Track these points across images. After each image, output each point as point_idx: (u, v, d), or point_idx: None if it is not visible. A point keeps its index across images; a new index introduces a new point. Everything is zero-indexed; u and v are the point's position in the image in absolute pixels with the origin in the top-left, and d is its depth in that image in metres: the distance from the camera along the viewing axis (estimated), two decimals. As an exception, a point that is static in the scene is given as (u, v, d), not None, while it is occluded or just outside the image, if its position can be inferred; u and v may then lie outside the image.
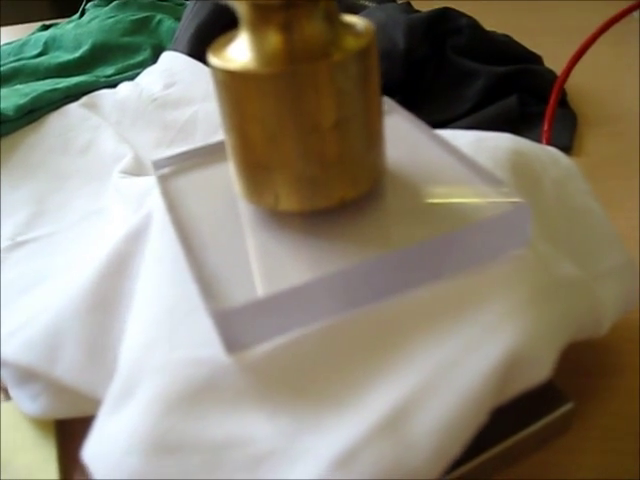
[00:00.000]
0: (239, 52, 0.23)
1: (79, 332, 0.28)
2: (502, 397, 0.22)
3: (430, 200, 0.25)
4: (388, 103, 0.31)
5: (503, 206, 0.24)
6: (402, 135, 0.29)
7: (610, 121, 0.54)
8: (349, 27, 0.24)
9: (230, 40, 0.24)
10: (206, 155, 0.30)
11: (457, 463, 0.21)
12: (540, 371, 0.22)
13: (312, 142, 0.23)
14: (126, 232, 0.30)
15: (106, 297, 0.28)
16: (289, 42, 0.22)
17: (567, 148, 0.49)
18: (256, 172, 0.24)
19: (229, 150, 0.25)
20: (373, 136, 0.25)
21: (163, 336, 0.23)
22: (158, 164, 0.29)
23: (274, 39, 0.22)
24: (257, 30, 0.23)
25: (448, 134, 0.31)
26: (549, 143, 0.46)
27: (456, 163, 0.27)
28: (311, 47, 0.22)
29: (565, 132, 0.50)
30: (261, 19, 0.22)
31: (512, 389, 0.22)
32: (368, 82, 0.24)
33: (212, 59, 0.23)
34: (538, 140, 0.47)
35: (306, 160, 0.23)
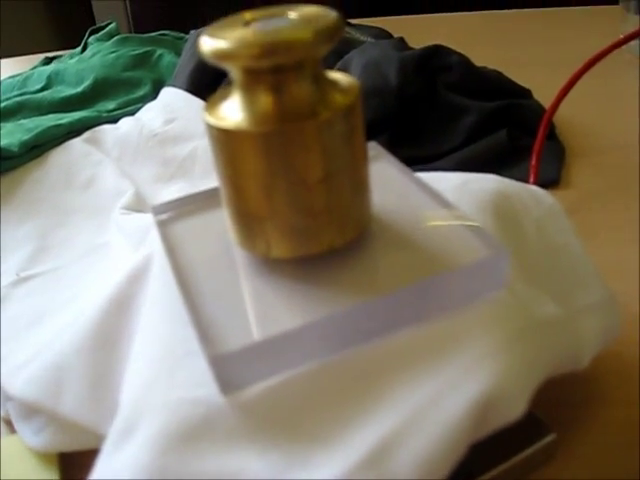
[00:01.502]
0: (232, 111, 0.25)
1: (82, 369, 0.29)
2: (478, 433, 0.23)
3: (414, 245, 0.27)
4: (375, 149, 0.33)
5: (482, 251, 0.25)
6: (388, 181, 0.31)
7: (599, 152, 0.55)
8: (334, 84, 0.25)
9: (224, 98, 0.26)
10: (203, 200, 0.31)
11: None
12: (515, 409, 0.23)
13: (301, 195, 0.25)
14: (127, 273, 0.31)
15: (108, 336, 0.29)
16: (278, 103, 0.24)
17: (555, 181, 0.50)
18: (249, 221, 0.26)
19: (223, 200, 0.26)
20: (359, 187, 0.26)
21: (162, 376, 0.25)
22: (157, 210, 0.31)
23: (264, 100, 0.24)
24: (248, 91, 0.24)
25: (433, 177, 0.32)
26: (537, 177, 0.48)
27: (439, 208, 0.28)
28: (299, 107, 0.24)
29: (553, 165, 0.51)
30: (252, 81, 0.24)
31: (488, 426, 0.23)
32: (354, 136, 0.25)
33: (207, 117, 0.25)
34: (527, 174, 0.48)
35: (295, 211, 0.25)
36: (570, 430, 0.30)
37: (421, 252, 0.26)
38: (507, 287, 0.26)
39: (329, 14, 0.24)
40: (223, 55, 0.23)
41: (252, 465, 0.22)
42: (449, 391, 0.23)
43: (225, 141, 0.24)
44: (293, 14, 0.24)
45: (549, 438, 0.29)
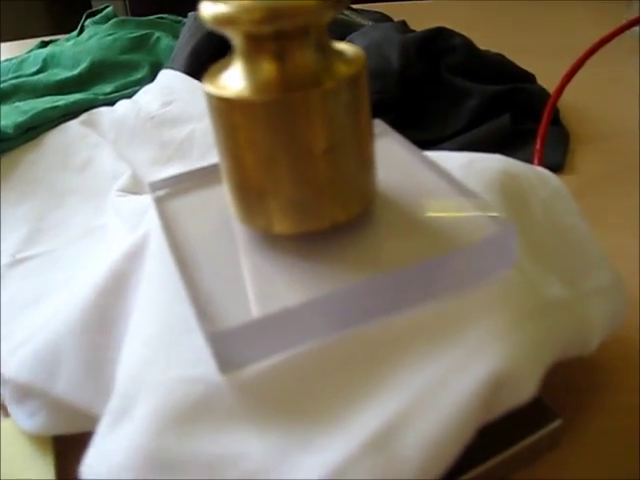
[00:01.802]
0: (233, 79, 0.24)
1: (77, 350, 0.28)
2: (488, 416, 0.22)
3: (420, 223, 0.26)
4: (380, 125, 0.32)
5: (490, 229, 0.25)
6: (394, 158, 0.30)
7: (603, 139, 0.54)
8: (340, 54, 0.25)
9: (224, 67, 0.25)
10: (202, 177, 0.30)
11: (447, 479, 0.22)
12: (524, 391, 0.22)
13: (304, 167, 0.24)
14: (124, 251, 0.30)
15: (104, 316, 0.28)
16: (281, 70, 0.23)
17: (559, 166, 0.49)
18: (249, 196, 0.25)
19: (223, 174, 0.26)
20: (364, 161, 0.25)
21: (159, 355, 0.24)
22: (154, 186, 0.30)
23: (267, 67, 0.23)
24: (250, 59, 0.23)
25: (439, 156, 0.31)
26: (541, 161, 0.47)
27: (446, 186, 0.27)
28: (303, 75, 0.23)
29: (557, 150, 0.50)
30: (254, 48, 0.23)
31: (497, 408, 0.22)
32: (359, 108, 0.24)
33: (207, 86, 0.24)
34: (531, 158, 0.48)
35: (298, 184, 0.24)
36: (576, 416, 0.30)
37: (427, 230, 0.25)
38: (516, 266, 0.25)
39: None
40: (224, 20, 0.22)
41: (252, 447, 0.22)
42: (457, 372, 0.22)
43: (226, 111, 0.24)
44: None
45: (555, 424, 0.28)
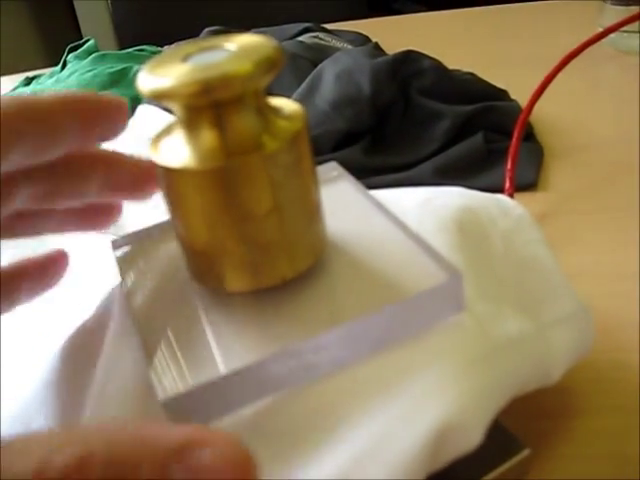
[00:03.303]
0: (176, 147, 0.24)
1: (47, 413, 0.29)
2: (434, 465, 0.23)
3: (370, 273, 0.26)
4: (337, 169, 0.32)
5: (439, 276, 0.25)
6: (348, 203, 0.30)
7: (577, 151, 0.54)
8: (279, 112, 0.25)
9: (168, 133, 0.25)
10: (163, 232, 0.31)
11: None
12: (471, 439, 0.23)
13: (250, 229, 0.24)
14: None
15: (69, 378, 0.29)
16: (222, 138, 0.24)
17: (532, 184, 0.50)
18: (200, 257, 0.26)
19: (176, 235, 0.26)
20: (310, 216, 0.26)
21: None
22: (116, 244, 0.30)
23: (207, 135, 0.24)
24: (191, 127, 0.24)
25: (397, 194, 0.32)
26: (512, 182, 0.47)
27: (397, 233, 0.28)
28: (244, 140, 0.24)
29: (530, 168, 0.51)
30: (194, 118, 0.24)
31: (443, 457, 0.23)
32: (302, 164, 0.25)
33: (152, 154, 0.25)
34: (504, 177, 0.48)
35: (245, 246, 0.25)
36: (544, 442, 0.30)
37: (377, 279, 0.26)
38: (467, 309, 0.26)
39: (268, 44, 0.24)
40: (161, 94, 0.23)
41: None
42: (402, 424, 0.22)
43: (171, 179, 0.24)
44: (231, 45, 0.24)
45: (523, 454, 0.28)
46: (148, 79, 0.23)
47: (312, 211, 0.26)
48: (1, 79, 0.91)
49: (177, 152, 0.24)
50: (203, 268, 0.26)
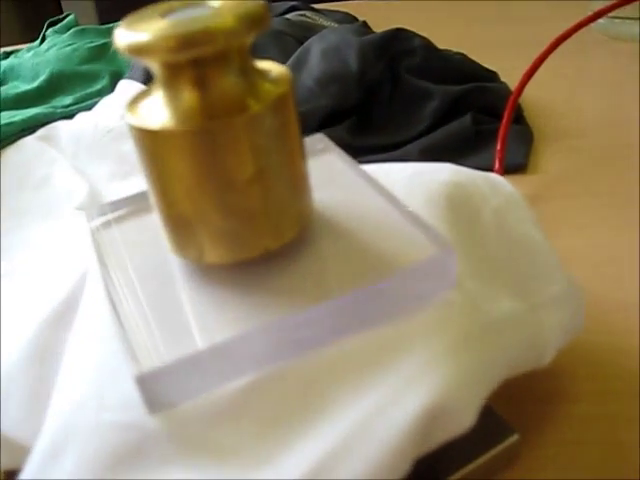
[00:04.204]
0: (154, 109, 0.23)
1: (21, 385, 0.27)
2: (424, 447, 0.22)
3: (357, 246, 0.25)
4: (323, 141, 0.31)
5: (429, 250, 0.24)
6: (335, 175, 0.29)
7: (567, 135, 0.53)
8: (265, 75, 0.24)
9: (146, 96, 0.24)
10: (141, 203, 0.29)
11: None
12: (462, 421, 0.22)
13: (232, 196, 0.23)
14: (69, 280, 0.29)
15: (48, 350, 0.27)
16: (203, 98, 0.22)
17: (522, 166, 0.49)
18: (179, 226, 0.24)
19: (153, 204, 0.25)
20: (295, 184, 0.25)
21: (92, 396, 0.23)
22: (91, 214, 0.29)
23: (188, 96, 0.22)
24: (170, 87, 0.22)
25: (385, 169, 0.30)
26: (502, 163, 0.46)
27: (387, 206, 0.26)
28: (227, 101, 0.22)
29: (520, 150, 0.50)
30: (173, 77, 0.22)
31: (434, 440, 0.22)
32: (287, 130, 0.24)
33: (128, 116, 0.23)
34: (493, 159, 0.47)
35: (226, 214, 0.23)
36: (534, 428, 0.29)
37: (365, 253, 0.25)
38: (457, 286, 0.24)
39: (253, 1, 0.22)
40: (138, 49, 0.21)
41: None
42: (390, 404, 0.21)
43: (149, 142, 0.23)
44: (214, 2, 0.22)
45: (512, 439, 0.28)
46: (125, 34, 0.22)
47: (297, 179, 0.25)
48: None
49: (155, 113, 0.23)
50: (182, 238, 0.24)
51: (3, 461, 0.28)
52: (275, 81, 0.23)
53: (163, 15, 0.22)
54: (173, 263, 0.26)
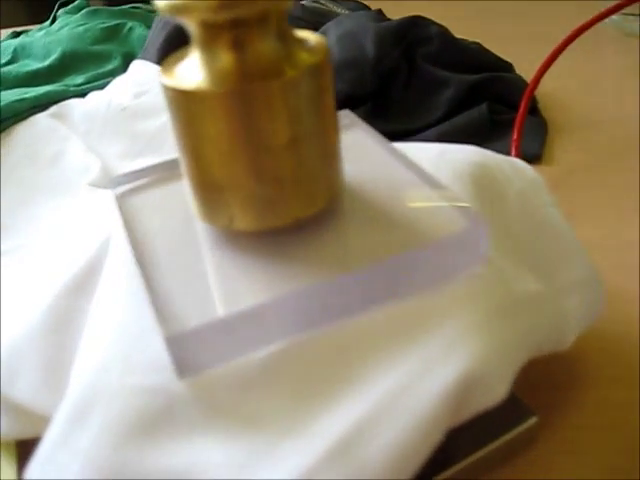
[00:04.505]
0: (190, 71, 0.23)
1: (37, 353, 0.27)
2: (457, 418, 0.21)
3: (387, 218, 0.25)
4: (349, 117, 0.31)
5: (461, 223, 0.24)
6: (362, 150, 0.29)
7: (581, 128, 0.54)
8: (302, 43, 0.24)
9: (181, 58, 0.24)
10: (166, 171, 0.29)
11: (421, 479, 0.21)
12: (495, 392, 0.22)
13: (265, 161, 0.23)
14: (87, 250, 0.29)
15: (65, 318, 0.27)
16: (240, 60, 0.22)
17: (537, 156, 0.49)
18: (210, 192, 0.24)
19: (183, 169, 0.25)
20: (328, 153, 0.24)
21: (117, 360, 0.23)
22: (115, 182, 0.29)
23: (225, 57, 0.22)
24: (207, 48, 0.22)
25: (411, 147, 0.30)
26: (518, 152, 0.46)
27: (416, 179, 0.26)
28: (263, 65, 0.22)
29: (535, 140, 0.50)
30: (211, 38, 0.22)
31: (466, 411, 0.22)
32: (322, 99, 0.23)
33: (163, 78, 0.23)
34: (508, 149, 0.47)
35: (259, 179, 0.23)
36: (552, 412, 0.29)
37: (395, 225, 0.25)
38: (488, 262, 0.24)
39: None
40: (179, 8, 0.21)
41: (215, 457, 0.21)
42: (424, 374, 0.21)
43: (183, 103, 0.23)
44: None
45: (531, 421, 0.28)
46: (165, -6, 0.21)
47: (330, 149, 0.24)
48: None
49: (191, 75, 0.22)
50: (212, 204, 0.24)
51: (18, 430, 0.28)
52: (312, 49, 0.23)
53: None
54: (200, 230, 0.26)
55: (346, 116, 0.31)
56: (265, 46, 0.22)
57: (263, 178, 0.23)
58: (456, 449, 0.26)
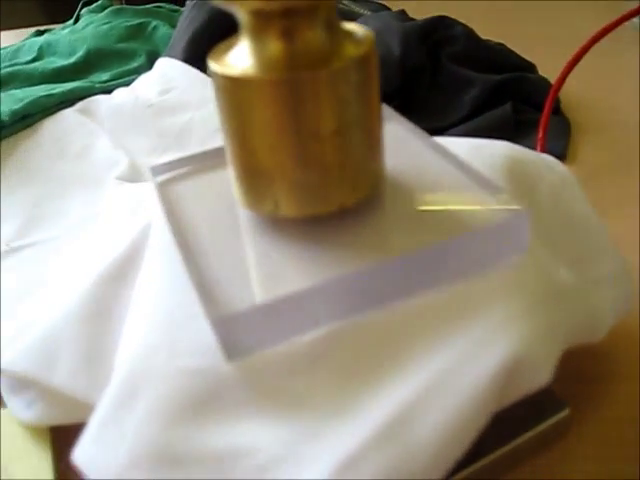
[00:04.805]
0: (239, 58, 0.23)
1: (75, 340, 0.28)
2: (502, 402, 0.22)
3: (429, 207, 0.25)
4: (386, 110, 0.31)
5: (502, 213, 0.24)
6: (400, 142, 0.29)
7: (604, 129, 0.54)
8: (349, 35, 0.24)
9: (230, 46, 0.24)
10: (204, 161, 0.30)
11: (455, 468, 0.21)
12: (540, 377, 0.22)
13: (312, 149, 0.23)
14: (124, 239, 0.30)
15: (102, 305, 0.28)
16: (289, 49, 0.22)
17: (561, 156, 0.49)
18: (256, 178, 0.24)
19: (229, 156, 0.25)
20: (372, 143, 0.25)
21: (163, 343, 0.23)
22: (156, 170, 0.29)
23: (274, 46, 0.22)
24: (257, 37, 0.23)
25: (445, 141, 0.31)
26: (543, 151, 0.46)
27: (454, 170, 0.27)
28: (312, 54, 0.23)
29: (559, 140, 0.50)
30: (261, 26, 0.22)
31: (512, 394, 0.22)
32: (368, 89, 0.24)
33: (212, 65, 0.23)
34: (533, 148, 0.47)
35: (305, 166, 0.23)
36: (584, 405, 0.29)
37: (437, 214, 0.25)
38: (528, 252, 0.25)
39: None
40: None
41: (262, 438, 0.21)
42: (471, 358, 0.21)
43: (232, 90, 0.23)
44: None
45: (563, 413, 0.28)
46: (218, -18, 0.22)
47: (374, 138, 0.25)
48: (1, 34, 0.89)
49: (240, 62, 0.23)
50: (257, 191, 0.25)
51: (54, 416, 0.29)
52: (359, 41, 0.24)
53: None
54: (242, 217, 0.26)
55: (383, 109, 0.31)
56: (314, 36, 0.23)
57: (308, 165, 0.23)
58: (491, 438, 0.26)
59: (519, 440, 0.27)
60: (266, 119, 0.23)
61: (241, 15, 0.23)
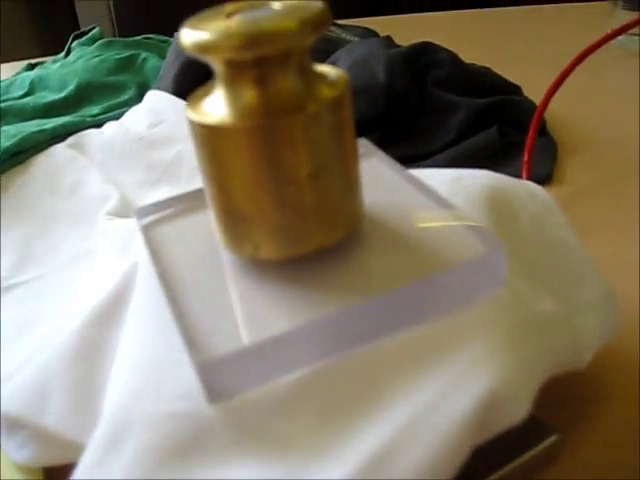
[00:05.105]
0: (215, 106, 0.24)
1: (66, 381, 0.28)
2: (481, 437, 0.22)
3: (407, 244, 0.26)
4: (365, 145, 0.32)
5: (479, 248, 0.25)
6: (379, 178, 0.30)
7: (590, 148, 0.54)
8: (322, 77, 0.25)
9: (206, 93, 0.25)
10: (189, 202, 0.30)
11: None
12: (518, 410, 0.22)
13: (289, 193, 0.24)
14: (112, 281, 0.30)
15: (92, 347, 0.28)
16: (263, 96, 0.23)
17: (547, 177, 0.49)
18: (235, 222, 0.25)
19: (208, 200, 0.25)
20: (349, 183, 0.25)
21: (148, 387, 0.24)
22: (141, 212, 0.30)
23: (248, 93, 0.23)
24: (231, 85, 0.23)
25: (425, 173, 0.31)
26: (529, 174, 0.47)
27: (433, 205, 0.27)
28: (286, 100, 0.23)
29: (546, 161, 0.50)
30: (235, 75, 0.23)
31: (491, 429, 0.22)
32: (343, 130, 0.24)
33: (189, 113, 0.24)
34: (519, 170, 0.48)
35: (283, 210, 0.24)
36: (573, 430, 0.30)
37: (415, 251, 0.25)
38: (506, 284, 0.25)
39: (314, 4, 0.23)
40: (204, 47, 0.22)
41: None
42: (449, 394, 0.22)
43: (209, 137, 0.23)
44: (277, 4, 0.23)
45: (552, 439, 0.28)
46: (190, 33, 0.22)
47: (351, 178, 0.25)
48: (0, 66, 0.90)
49: (215, 110, 0.23)
50: (237, 234, 0.25)
51: (47, 456, 0.29)
52: (332, 83, 0.24)
53: (228, 16, 0.23)
54: (225, 260, 0.26)
55: (362, 145, 0.31)
56: (287, 82, 0.23)
57: (286, 209, 0.24)
58: (477, 469, 0.27)
59: (507, 468, 0.27)
60: (243, 165, 0.23)
61: (215, 65, 0.23)
